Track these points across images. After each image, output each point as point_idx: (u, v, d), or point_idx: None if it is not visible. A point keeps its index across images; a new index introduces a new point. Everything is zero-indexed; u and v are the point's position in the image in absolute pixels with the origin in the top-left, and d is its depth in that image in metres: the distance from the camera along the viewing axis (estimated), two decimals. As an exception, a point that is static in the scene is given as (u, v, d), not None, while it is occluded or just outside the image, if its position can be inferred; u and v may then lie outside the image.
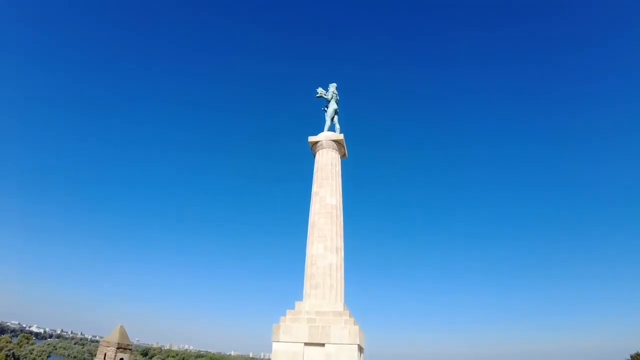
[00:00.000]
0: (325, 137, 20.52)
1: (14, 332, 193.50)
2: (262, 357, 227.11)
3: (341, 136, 20.62)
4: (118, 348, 27.33)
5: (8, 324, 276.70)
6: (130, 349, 28.12)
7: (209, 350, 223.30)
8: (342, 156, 21.12)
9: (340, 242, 18.20)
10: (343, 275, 17.85)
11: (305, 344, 15.64)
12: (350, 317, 16.31)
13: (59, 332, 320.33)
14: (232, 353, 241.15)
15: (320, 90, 22.15)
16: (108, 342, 27.40)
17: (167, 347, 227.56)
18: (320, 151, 20.30)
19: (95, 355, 35.18)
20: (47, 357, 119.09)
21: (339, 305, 16.74)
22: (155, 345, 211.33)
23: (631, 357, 47.17)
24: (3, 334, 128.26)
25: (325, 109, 22.05)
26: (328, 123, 21.55)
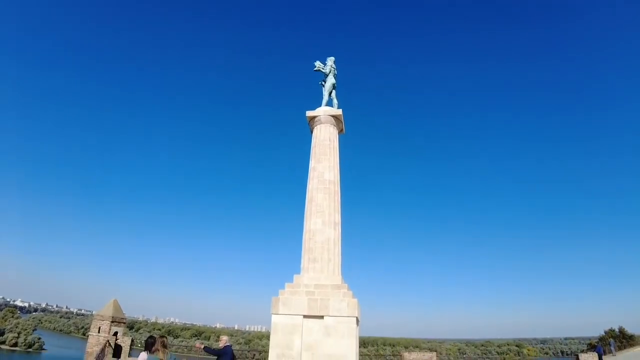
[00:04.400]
0: (323, 112, 20.40)
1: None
2: (247, 329, 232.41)
3: (339, 111, 20.53)
4: (112, 322, 27.42)
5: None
6: (124, 323, 28.30)
7: (195, 323, 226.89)
8: (340, 131, 21.12)
9: (337, 217, 18.43)
10: (340, 250, 18.18)
11: (304, 316, 16.03)
12: (348, 290, 16.73)
13: (43, 306, 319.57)
14: (218, 325, 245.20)
15: (318, 63, 21.80)
16: (102, 316, 27.45)
17: (153, 320, 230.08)
18: (318, 126, 20.22)
19: (86, 329, 35.21)
20: (33, 330, 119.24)
21: (337, 279, 17.14)
22: (141, 319, 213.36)
23: (605, 332, 50.65)
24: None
25: (323, 83, 21.78)
26: (326, 97, 21.35)
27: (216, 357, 10.53)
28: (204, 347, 11.29)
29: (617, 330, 50.59)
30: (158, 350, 7.94)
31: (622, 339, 47.44)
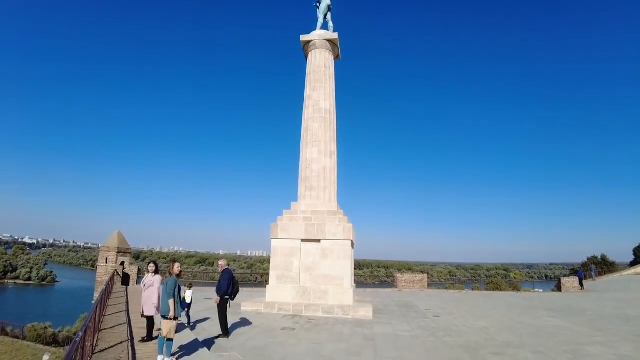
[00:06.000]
0: (318, 36, 19.44)
1: (7, 244, 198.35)
2: (248, 254, 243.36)
3: (335, 35, 19.54)
4: (118, 252, 28.52)
5: (0, 237, 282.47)
6: (129, 253, 29.46)
7: (198, 251, 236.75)
8: (336, 57, 20.30)
9: (333, 146, 18.42)
10: (336, 178, 18.42)
11: (302, 240, 16.67)
12: (343, 216, 17.24)
13: (51, 241, 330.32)
14: (220, 252, 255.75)
15: None
16: (108, 247, 28.48)
17: (158, 250, 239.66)
18: (313, 52, 19.40)
19: (95, 261, 36.66)
20: (44, 265, 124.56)
21: (333, 205, 17.59)
22: (146, 249, 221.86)
23: (588, 259, 53.43)
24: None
25: (318, 4, 20.41)
26: (321, 20, 20.17)
27: (227, 284, 10.67)
28: (217, 294, 11.07)
29: (599, 257, 53.44)
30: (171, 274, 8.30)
31: (604, 266, 50.19)
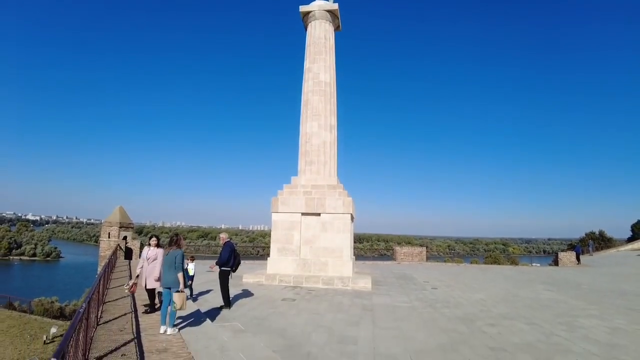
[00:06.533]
0: (318, 6, 18.89)
1: (10, 221, 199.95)
2: (250, 228, 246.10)
3: (335, 6, 18.99)
4: (120, 227, 28.78)
5: (3, 214, 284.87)
6: (132, 227, 29.72)
7: (201, 225, 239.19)
8: (336, 29, 19.81)
9: (333, 120, 18.24)
10: (336, 152, 18.34)
11: (302, 214, 16.76)
12: (343, 190, 17.26)
13: (54, 218, 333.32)
14: (222, 226, 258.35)
15: None
16: (110, 222, 28.72)
17: (160, 225, 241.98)
18: (312, 23, 18.92)
19: (98, 237, 37.03)
20: (49, 241, 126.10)
21: (333, 180, 17.59)
22: (148, 224, 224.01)
23: (585, 234, 53.89)
24: (0, 225, 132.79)
25: None
26: (320, -10, 19.61)
27: (228, 255, 10.75)
28: (216, 264, 11.29)
29: (597, 233, 53.95)
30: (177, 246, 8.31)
31: (601, 241, 50.73)
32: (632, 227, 58.44)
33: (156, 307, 9.55)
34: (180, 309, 7.68)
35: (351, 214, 16.84)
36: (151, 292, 9.47)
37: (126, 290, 10.33)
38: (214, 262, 11.20)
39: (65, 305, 35.80)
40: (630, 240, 53.42)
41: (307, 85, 18.30)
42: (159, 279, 8.83)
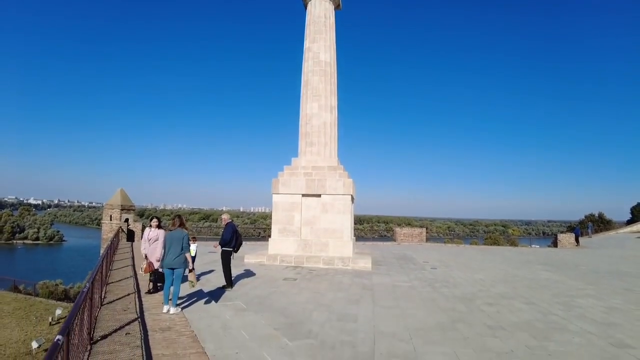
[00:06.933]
0: (317, -17, 18.50)
1: (12, 206, 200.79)
2: (251, 210, 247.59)
3: (335, -17, 18.61)
4: (122, 209, 28.90)
5: (5, 199, 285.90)
6: (133, 209, 29.86)
7: (202, 207, 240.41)
8: (336, 7, 19.37)
9: (334, 101, 18.07)
10: (336, 133, 18.24)
11: (303, 195, 16.78)
12: (344, 171, 17.24)
13: (56, 202, 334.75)
14: (224, 208, 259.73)
15: None
16: (111, 205, 28.82)
17: (162, 207, 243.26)
18: (312, 1, 18.46)
19: (100, 220, 37.33)
20: (51, 225, 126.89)
21: (334, 161, 17.55)
22: (150, 207, 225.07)
23: (585, 216, 54.17)
24: (2, 209, 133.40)
25: None
26: (320, -33, 19.13)
27: (230, 236, 10.82)
28: (219, 243, 11.43)
29: (596, 215, 54.21)
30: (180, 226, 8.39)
31: (600, 224, 51.05)
32: (631, 209, 58.70)
33: (158, 286, 9.67)
34: (194, 286, 8.48)
35: (351, 195, 16.86)
36: (153, 273, 9.57)
37: (141, 272, 10.41)
38: (217, 242, 11.30)
39: (70, 288, 36.32)
40: (630, 222, 53.73)
41: (307, 65, 18.06)
42: (159, 260, 8.92)
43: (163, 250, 8.28)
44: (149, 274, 9.58)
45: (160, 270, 9.01)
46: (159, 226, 9.57)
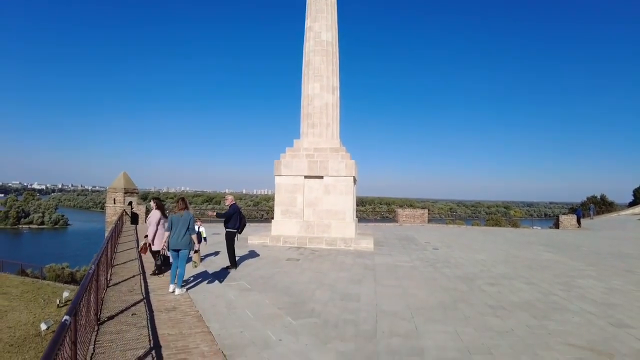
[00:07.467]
0: (318, -40, 18.03)
1: (17, 191, 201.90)
2: (254, 192, 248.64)
3: (336, -41, 18.12)
4: (125, 192, 29.00)
5: (9, 184, 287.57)
6: (136, 193, 29.97)
7: (205, 190, 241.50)
8: (338, -15, 18.99)
9: (336, 81, 17.84)
10: (338, 114, 18.08)
11: (305, 176, 16.78)
12: (346, 152, 17.18)
13: (60, 186, 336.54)
14: (227, 191, 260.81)
15: None
16: (115, 188, 28.92)
17: (165, 190, 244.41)
18: (312, -21, 18.12)
19: (104, 203, 37.45)
20: (55, 209, 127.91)
21: (336, 142, 17.46)
22: (153, 190, 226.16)
23: (587, 198, 54.09)
24: (7, 195, 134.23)
25: None
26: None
27: (230, 216, 10.94)
28: (216, 214, 11.96)
29: (598, 197, 54.11)
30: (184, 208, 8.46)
31: (602, 205, 51.04)
32: (634, 192, 58.60)
33: (163, 268, 9.79)
34: (196, 267, 8.59)
35: (354, 177, 16.85)
36: (156, 254, 9.68)
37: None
38: (223, 228, 11.33)
39: (76, 271, 36.89)
40: (632, 204, 53.76)
41: (309, 45, 17.77)
42: (153, 240, 9.36)
43: (164, 232, 8.58)
44: (156, 256, 9.68)
45: (162, 251, 9.23)
46: (158, 207, 9.64)
